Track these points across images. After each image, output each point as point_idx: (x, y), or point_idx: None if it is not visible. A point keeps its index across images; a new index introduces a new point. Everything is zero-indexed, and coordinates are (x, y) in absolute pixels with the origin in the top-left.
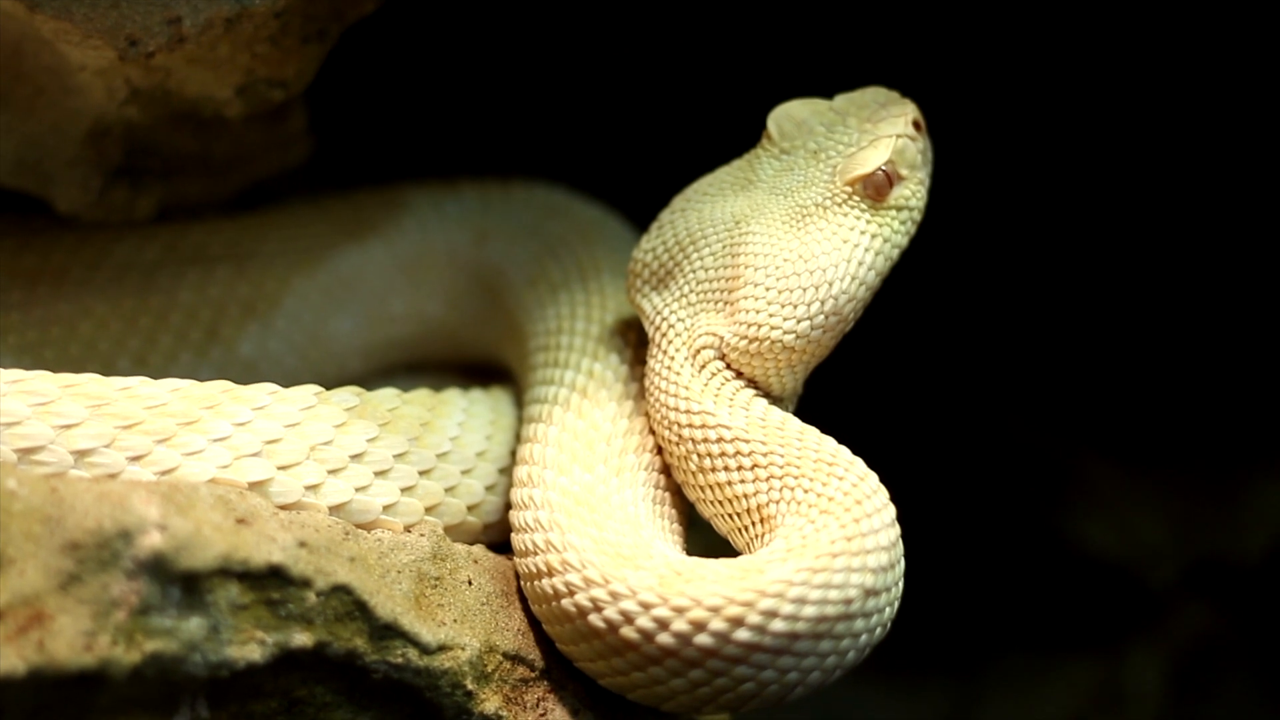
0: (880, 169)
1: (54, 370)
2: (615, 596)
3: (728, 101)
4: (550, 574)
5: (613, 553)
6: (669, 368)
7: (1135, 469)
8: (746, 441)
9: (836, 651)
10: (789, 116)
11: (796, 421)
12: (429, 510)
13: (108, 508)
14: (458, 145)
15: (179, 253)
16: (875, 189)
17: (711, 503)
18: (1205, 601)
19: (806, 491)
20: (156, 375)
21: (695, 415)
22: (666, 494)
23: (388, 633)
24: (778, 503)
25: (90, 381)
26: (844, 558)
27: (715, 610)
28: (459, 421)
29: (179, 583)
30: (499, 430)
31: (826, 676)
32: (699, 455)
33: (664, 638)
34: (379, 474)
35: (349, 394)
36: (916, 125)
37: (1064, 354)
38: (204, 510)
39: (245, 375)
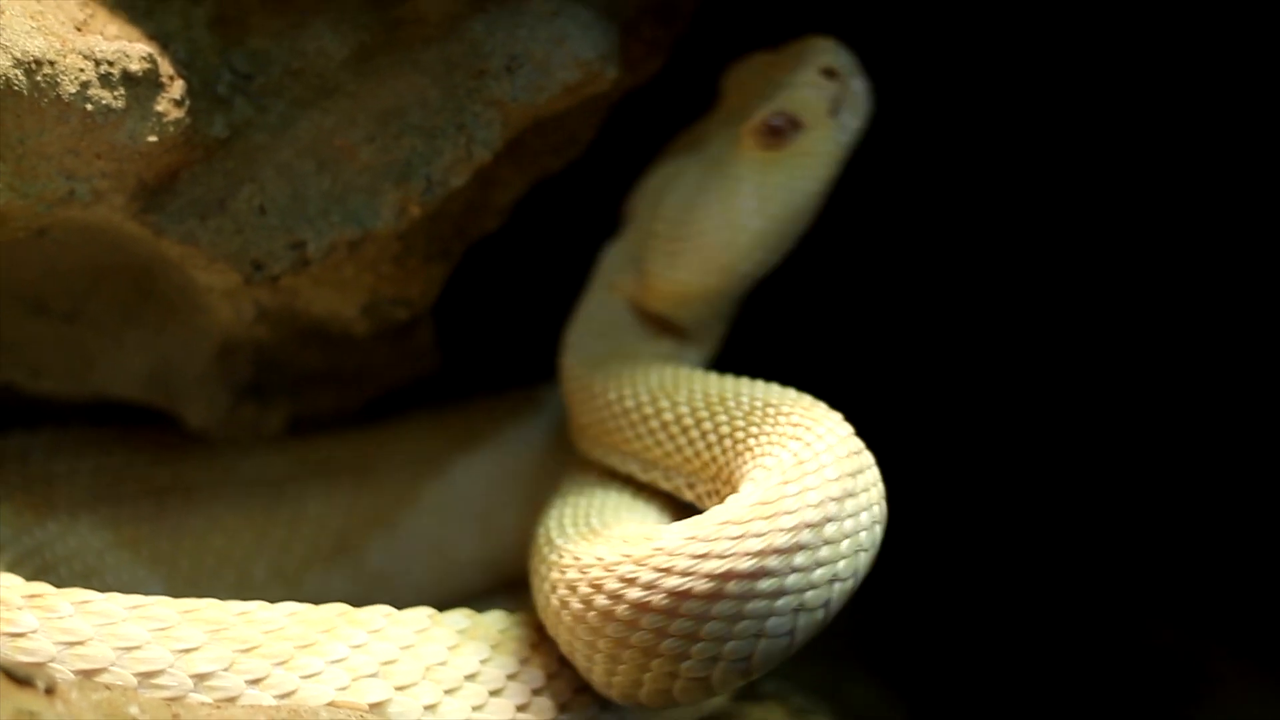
0: (768, 119)
1: (191, 580)
2: (582, 570)
3: None
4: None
5: (584, 529)
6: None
7: (1272, 669)
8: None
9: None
10: (734, 74)
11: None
12: None
13: None
14: None
15: (307, 466)
16: (767, 137)
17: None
18: None
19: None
20: (292, 584)
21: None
22: None
23: None
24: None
25: (209, 607)
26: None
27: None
28: None
29: None
30: None
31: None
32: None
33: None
34: (493, 693)
35: (460, 616)
36: (830, 72)
37: (1196, 546)
38: None
39: (377, 586)
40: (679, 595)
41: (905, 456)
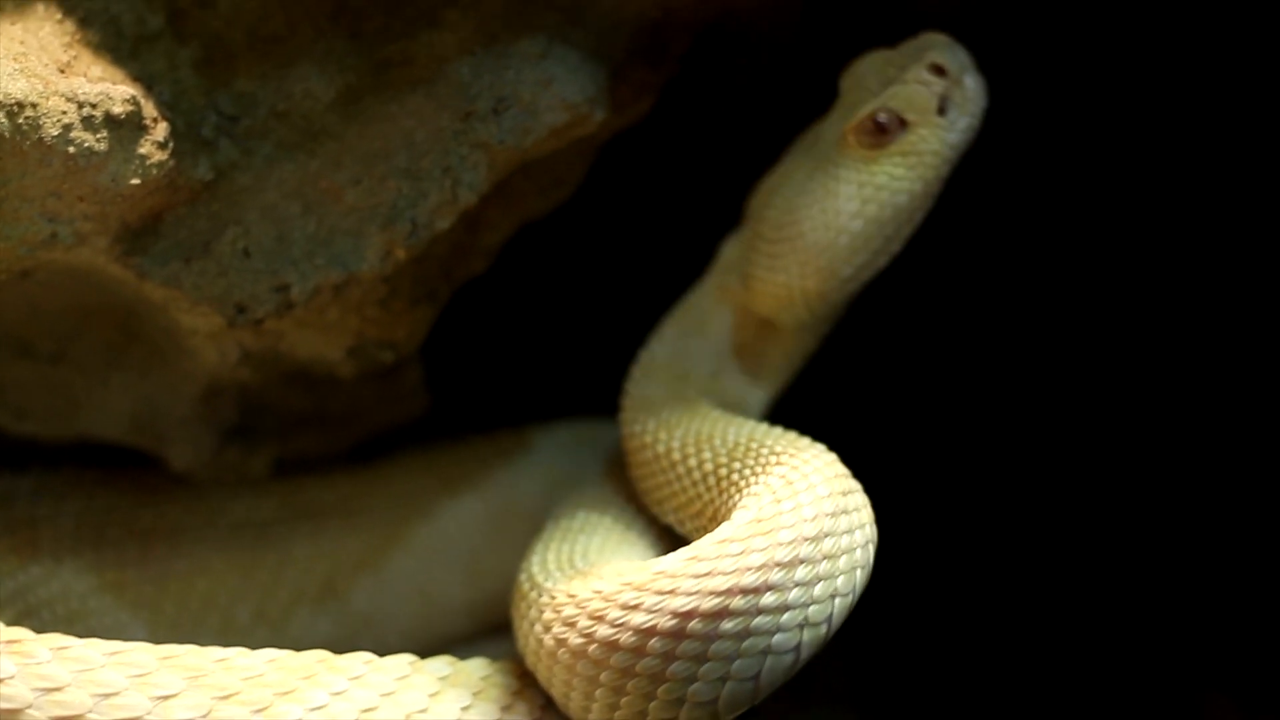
0: (873, 117)
1: (175, 624)
2: (579, 605)
3: None
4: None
5: (569, 570)
6: None
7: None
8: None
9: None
10: (852, 72)
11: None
12: None
13: None
14: (578, 389)
15: (293, 508)
16: (871, 135)
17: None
18: None
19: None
20: (276, 628)
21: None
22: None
23: None
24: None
25: (188, 653)
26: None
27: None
28: None
29: None
30: None
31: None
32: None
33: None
34: None
35: (442, 663)
36: (939, 69)
37: (1194, 595)
38: None
39: (362, 629)
40: (685, 615)
41: (895, 496)
